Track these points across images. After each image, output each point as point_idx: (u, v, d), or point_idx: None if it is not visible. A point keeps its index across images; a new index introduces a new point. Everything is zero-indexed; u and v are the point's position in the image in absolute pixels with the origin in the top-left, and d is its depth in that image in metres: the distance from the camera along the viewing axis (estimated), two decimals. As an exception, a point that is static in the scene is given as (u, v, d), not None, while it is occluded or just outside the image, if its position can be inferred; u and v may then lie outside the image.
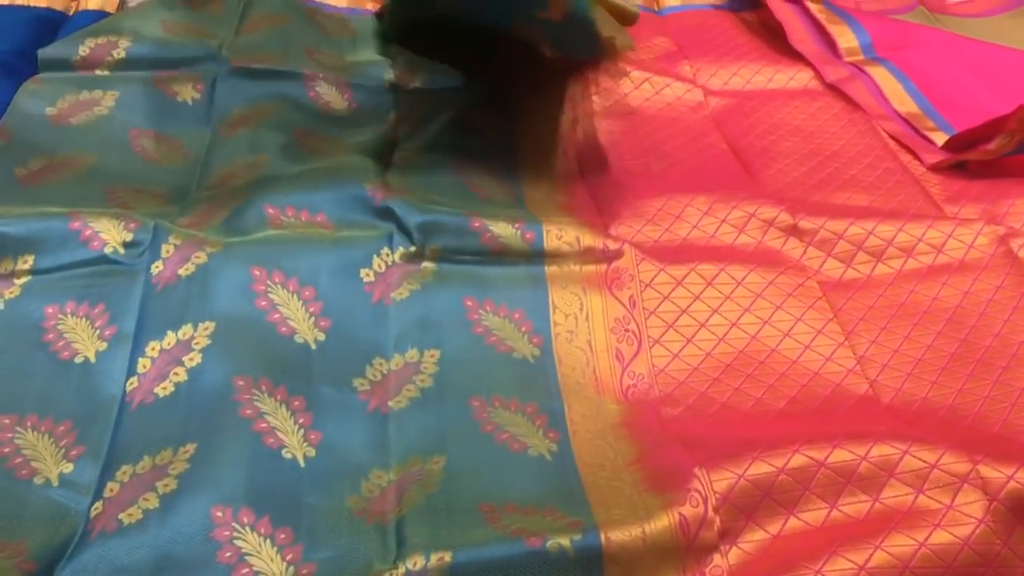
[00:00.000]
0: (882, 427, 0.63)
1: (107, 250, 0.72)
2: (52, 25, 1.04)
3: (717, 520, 0.57)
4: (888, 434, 0.61)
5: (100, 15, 1.05)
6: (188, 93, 0.94)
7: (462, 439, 0.64)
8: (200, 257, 0.71)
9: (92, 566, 0.54)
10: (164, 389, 0.64)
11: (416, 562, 0.54)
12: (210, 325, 0.67)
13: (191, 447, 0.60)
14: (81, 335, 0.68)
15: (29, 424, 0.63)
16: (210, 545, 0.55)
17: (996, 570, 0.55)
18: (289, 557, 0.55)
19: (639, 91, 1.04)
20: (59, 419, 0.63)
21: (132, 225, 0.73)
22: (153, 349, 0.67)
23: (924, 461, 0.59)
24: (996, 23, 1.22)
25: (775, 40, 1.16)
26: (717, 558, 0.56)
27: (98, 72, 0.95)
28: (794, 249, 0.81)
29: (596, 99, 1.02)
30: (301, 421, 0.63)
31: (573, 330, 0.73)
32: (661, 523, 0.56)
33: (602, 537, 0.55)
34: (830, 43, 1.13)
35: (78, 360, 0.67)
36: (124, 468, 0.60)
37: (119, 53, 0.96)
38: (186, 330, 0.67)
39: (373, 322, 0.71)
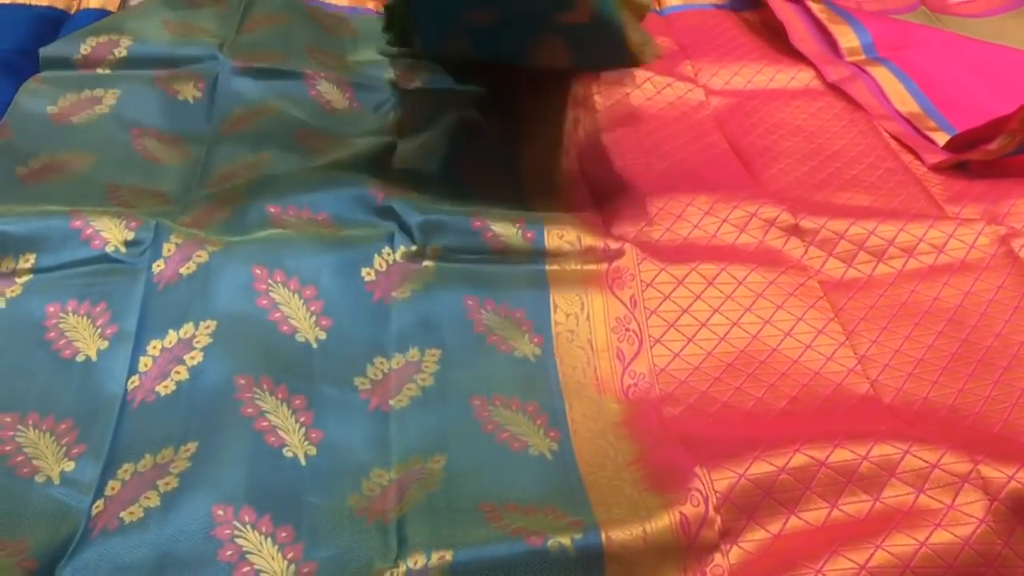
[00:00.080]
0: (883, 427, 0.63)
1: (108, 249, 0.72)
2: (53, 24, 1.04)
3: (718, 519, 0.57)
4: (889, 434, 0.61)
5: (101, 14, 1.05)
6: (189, 92, 0.94)
7: (463, 438, 0.64)
8: (201, 256, 0.71)
9: (93, 564, 0.54)
10: (165, 388, 0.64)
11: (417, 561, 0.54)
12: (211, 324, 0.67)
13: (192, 445, 0.60)
14: (82, 334, 0.68)
15: (30, 422, 0.63)
16: (211, 543, 0.55)
17: (997, 570, 0.55)
18: (290, 556, 0.55)
19: (640, 90, 1.04)
20: (60, 417, 0.64)
21: (133, 224, 0.74)
22: (154, 348, 0.67)
23: (925, 461, 0.59)
24: (998, 23, 1.22)
25: (776, 40, 1.16)
26: (718, 557, 0.56)
27: (99, 71, 0.95)
28: (795, 249, 0.81)
29: (597, 98, 1.03)
30: (302, 420, 0.63)
31: (574, 329, 0.74)
32: (662, 522, 0.56)
33: (603, 536, 0.55)
34: (831, 43, 1.13)
35: (79, 359, 0.67)
36: (125, 466, 0.60)
37: (120, 52, 0.96)
38: (187, 329, 0.67)
39: (374, 321, 0.71)
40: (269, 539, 0.55)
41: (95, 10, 1.07)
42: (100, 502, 0.59)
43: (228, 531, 0.55)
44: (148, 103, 0.92)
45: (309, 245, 0.74)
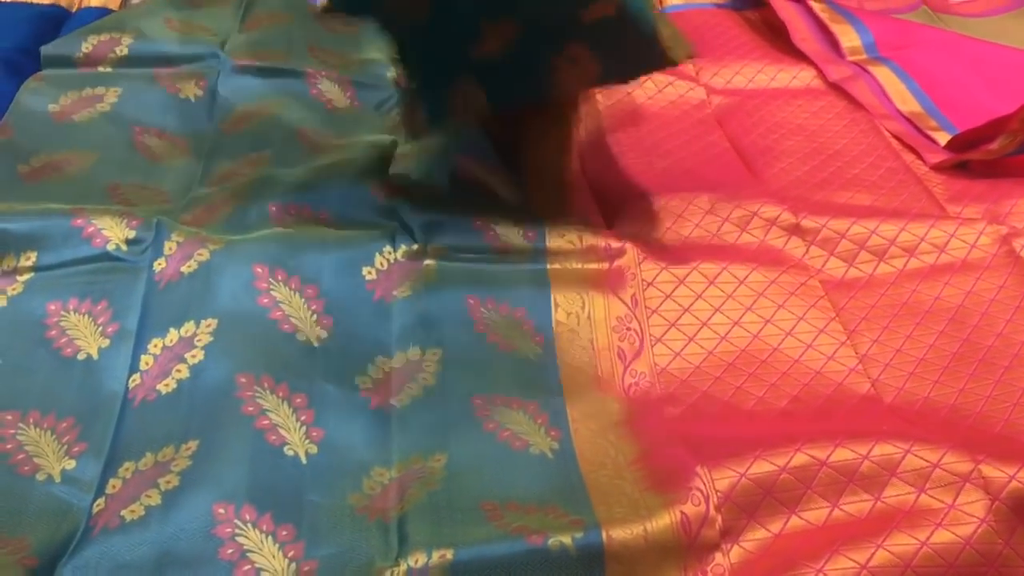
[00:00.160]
0: (884, 426, 0.63)
1: (110, 247, 0.72)
2: (55, 22, 1.04)
3: (719, 519, 0.57)
4: (890, 433, 0.61)
5: (103, 12, 1.05)
6: (191, 90, 0.94)
7: (464, 437, 0.64)
8: (203, 254, 0.71)
9: (94, 562, 0.54)
10: (166, 386, 0.64)
11: (418, 559, 0.54)
12: (212, 322, 0.67)
13: (193, 444, 0.60)
14: (84, 332, 0.68)
15: (32, 421, 0.63)
16: (212, 542, 0.55)
17: (998, 569, 0.55)
18: (291, 554, 0.55)
19: (642, 89, 1.04)
20: (61, 416, 0.64)
21: (134, 222, 0.74)
22: (155, 346, 0.67)
23: (926, 460, 0.59)
24: (999, 23, 1.22)
25: (778, 39, 1.16)
26: (719, 556, 0.56)
27: (101, 69, 0.95)
28: (796, 248, 0.81)
29: (599, 97, 1.02)
30: (303, 418, 0.63)
31: (575, 329, 0.73)
32: (663, 521, 0.56)
33: (604, 535, 0.55)
34: (833, 42, 1.13)
35: (81, 357, 0.67)
36: (126, 465, 0.61)
37: (122, 50, 0.96)
38: (188, 327, 0.67)
39: (375, 320, 0.71)
40: (270, 537, 0.55)
41: (96, 8, 1.07)
42: (101, 500, 0.59)
43: (229, 529, 0.55)
44: (149, 101, 0.93)
45: (310, 244, 0.74)
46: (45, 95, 0.91)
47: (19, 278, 0.71)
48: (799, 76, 1.09)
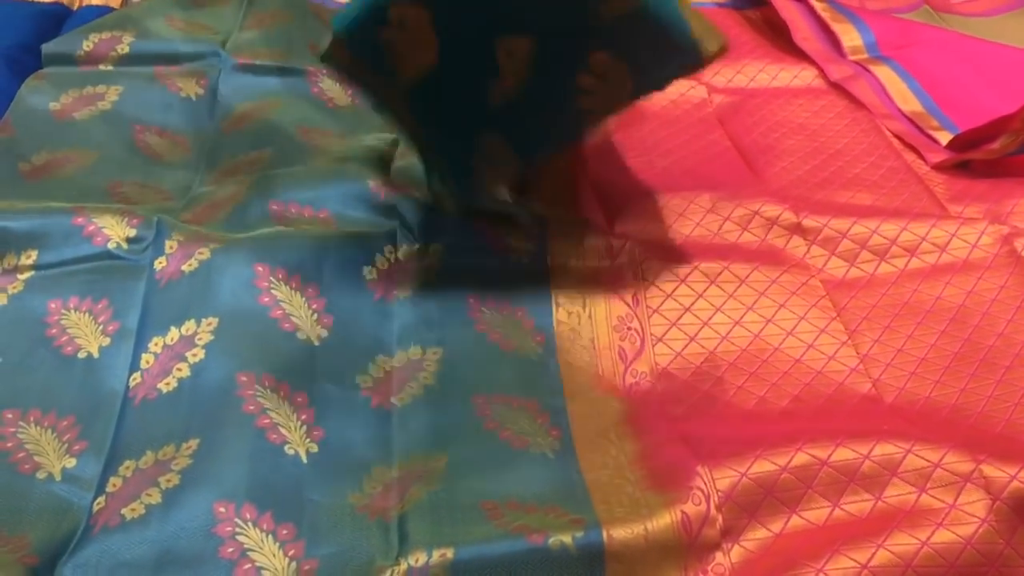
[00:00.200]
0: (885, 426, 0.63)
1: (110, 245, 0.72)
2: (56, 20, 1.04)
3: (719, 518, 0.57)
4: (891, 433, 0.61)
5: (104, 10, 1.05)
6: (192, 89, 0.94)
7: (465, 436, 0.64)
8: (203, 253, 0.71)
9: (94, 561, 0.54)
10: (167, 385, 0.64)
11: (418, 559, 0.54)
12: (213, 321, 0.67)
13: (194, 443, 0.60)
14: (84, 330, 0.68)
15: (32, 419, 0.63)
16: (212, 541, 0.55)
17: (999, 569, 0.55)
18: (291, 553, 0.55)
19: (643, 89, 1.04)
20: (62, 414, 0.64)
21: (135, 221, 0.74)
22: (156, 345, 0.67)
23: (927, 460, 0.59)
24: (1000, 22, 1.22)
25: (779, 38, 1.16)
26: (719, 556, 0.56)
27: (102, 67, 0.95)
28: (797, 247, 0.81)
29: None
30: (304, 417, 0.63)
31: (576, 328, 0.73)
32: (663, 521, 0.56)
33: (604, 534, 0.55)
34: (834, 42, 1.13)
35: (81, 355, 0.67)
36: (127, 463, 0.61)
37: (123, 48, 0.96)
38: (189, 326, 0.67)
39: (376, 319, 0.71)
40: (270, 536, 0.55)
41: (97, 6, 1.07)
42: (101, 499, 0.59)
43: (229, 528, 0.55)
44: (150, 100, 0.93)
45: (311, 243, 0.74)
46: (46, 93, 0.91)
47: (20, 276, 0.71)
48: (800, 75, 1.09)
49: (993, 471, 0.57)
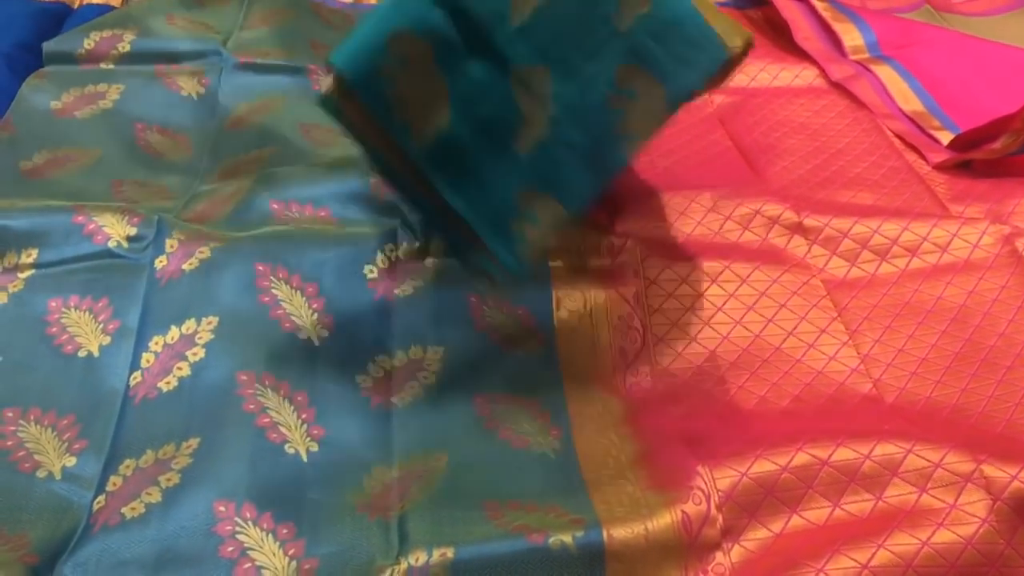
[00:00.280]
0: (886, 426, 0.63)
1: (111, 244, 0.72)
2: (57, 18, 1.04)
3: (720, 518, 0.57)
4: (891, 433, 0.61)
5: (105, 9, 1.05)
6: (193, 87, 0.94)
7: (465, 436, 0.64)
8: (204, 252, 0.71)
9: (94, 559, 0.54)
10: (167, 383, 0.64)
11: (418, 558, 0.54)
12: (213, 320, 0.67)
13: (194, 441, 0.60)
14: (84, 329, 0.68)
15: (32, 417, 0.63)
16: (212, 539, 0.55)
17: (999, 569, 0.55)
18: (291, 552, 0.55)
19: (644, 88, 1.04)
20: (62, 413, 0.64)
21: (136, 219, 0.74)
22: (156, 343, 0.67)
23: (927, 460, 0.59)
24: (1002, 22, 1.22)
25: (780, 38, 1.16)
26: (720, 556, 0.56)
27: (103, 66, 0.95)
28: (799, 247, 0.81)
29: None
30: (304, 416, 0.63)
31: (577, 327, 0.73)
32: (664, 520, 0.56)
33: (604, 534, 0.55)
34: (836, 41, 1.12)
35: (81, 354, 0.67)
36: (127, 462, 0.61)
37: (124, 47, 0.96)
38: (189, 325, 0.67)
39: (377, 318, 0.71)
40: (270, 535, 0.55)
41: (98, 5, 1.07)
42: (101, 498, 0.59)
43: (229, 527, 0.55)
44: (151, 98, 0.93)
45: (312, 242, 0.74)
46: (47, 92, 0.91)
47: (20, 275, 0.71)
48: (801, 75, 1.09)
49: (994, 471, 0.57)
